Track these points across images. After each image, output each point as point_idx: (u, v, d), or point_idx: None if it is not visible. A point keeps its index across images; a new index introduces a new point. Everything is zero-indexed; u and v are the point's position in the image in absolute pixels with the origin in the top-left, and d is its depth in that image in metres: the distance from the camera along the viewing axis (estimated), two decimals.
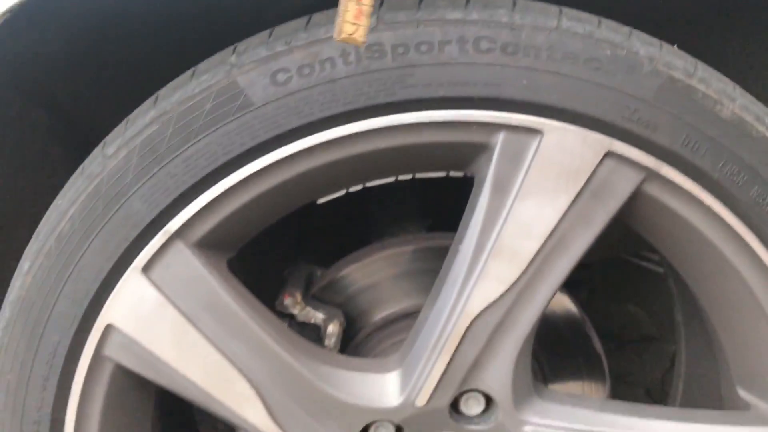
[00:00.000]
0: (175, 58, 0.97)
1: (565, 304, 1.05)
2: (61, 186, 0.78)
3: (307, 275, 1.03)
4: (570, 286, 1.08)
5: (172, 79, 0.78)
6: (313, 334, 0.95)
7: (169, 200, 0.72)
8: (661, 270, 1.28)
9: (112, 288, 0.75)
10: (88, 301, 0.75)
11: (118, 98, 1.00)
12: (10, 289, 0.77)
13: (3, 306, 0.78)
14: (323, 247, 1.08)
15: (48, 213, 0.76)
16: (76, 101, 1.02)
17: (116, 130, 0.75)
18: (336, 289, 1.01)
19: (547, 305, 0.79)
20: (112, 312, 0.76)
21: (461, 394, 0.81)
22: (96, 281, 0.75)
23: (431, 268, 0.96)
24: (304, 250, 1.07)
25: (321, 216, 1.05)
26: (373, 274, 1.01)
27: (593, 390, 1.07)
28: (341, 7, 0.62)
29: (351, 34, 0.62)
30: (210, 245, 0.77)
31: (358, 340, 1.01)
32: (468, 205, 0.77)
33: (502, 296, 0.76)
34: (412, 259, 1.01)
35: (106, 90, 1.00)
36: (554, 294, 0.79)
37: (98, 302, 0.75)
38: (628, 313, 1.49)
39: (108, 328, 0.76)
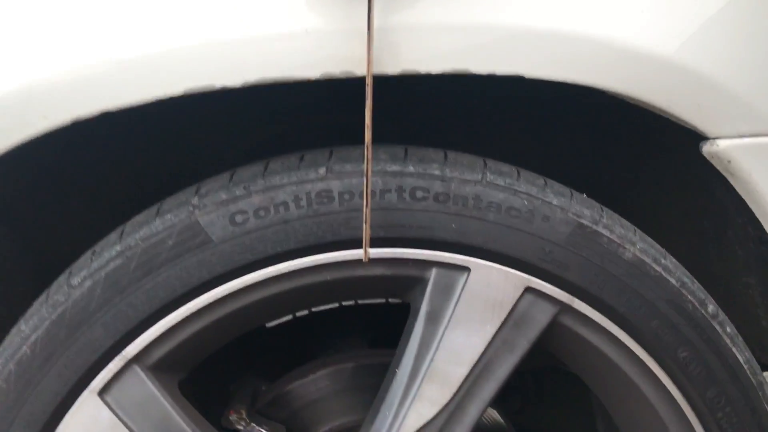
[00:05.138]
0: (135, 184, 1.05)
1: (493, 416, 1.13)
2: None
3: (253, 390, 1.08)
4: (505, 392, 1.15)
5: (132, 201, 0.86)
6: None
7: (128, 328, 0.78)
8: None
9: (68, 409, 0.79)
10: (43, 422, 0.78)
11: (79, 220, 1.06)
12: None
13: None
14: (268, 361, 1.13)
15: (9, 338, 0.80)
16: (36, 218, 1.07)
17: (82, 260, 0.81)
18: (281, 404, 1.06)
19: (476, 423, 0.86)
20: None
21: None
22: (53, 403, 0.78)
23: (372, 384, 1.02)
24: (249, 364, 1.12)
25: (266, 331, 1.11)
26: (316, 390, 1.06)
27: None
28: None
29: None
30: (164, 368, 0.82)
31: None
32: (404, 331, 0.85)
33: (435, 417, 0.84)
34: (354, 376, 1.07)
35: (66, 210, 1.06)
36: (483, 413, 0.87)
37: (54, 423, 0.79)
38: (561, 420, 1.54)
39: None
